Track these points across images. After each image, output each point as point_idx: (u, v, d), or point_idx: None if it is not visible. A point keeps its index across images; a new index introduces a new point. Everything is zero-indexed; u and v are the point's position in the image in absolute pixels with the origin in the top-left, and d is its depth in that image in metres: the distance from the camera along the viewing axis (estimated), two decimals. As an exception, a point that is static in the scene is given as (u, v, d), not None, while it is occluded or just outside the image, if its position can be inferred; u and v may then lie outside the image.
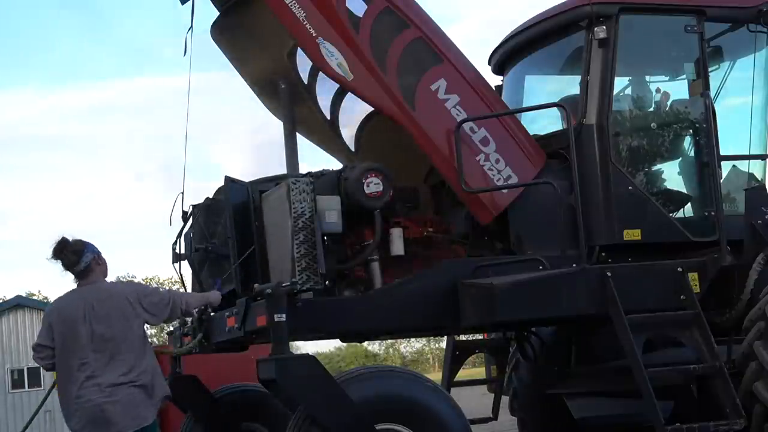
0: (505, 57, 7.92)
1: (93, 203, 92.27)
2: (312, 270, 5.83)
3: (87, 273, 5.89)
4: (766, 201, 6.95)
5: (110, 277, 6.20)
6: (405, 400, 5.74)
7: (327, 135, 7.48)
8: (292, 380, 5.53)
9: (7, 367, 28.02)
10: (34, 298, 45.76)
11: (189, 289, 7.34)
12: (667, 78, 7.62)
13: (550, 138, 7.09)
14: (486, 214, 6.59)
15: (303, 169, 6.46)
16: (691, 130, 7.19)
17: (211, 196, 6.95)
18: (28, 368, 27.47)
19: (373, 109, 6.85)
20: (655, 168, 7.17)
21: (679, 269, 6.49)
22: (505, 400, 8.58)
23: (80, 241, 5.94)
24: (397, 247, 6.40)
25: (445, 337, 8.43)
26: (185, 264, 7.28)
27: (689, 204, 7.19)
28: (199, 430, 7.60)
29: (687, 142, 7.26)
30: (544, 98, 7.94)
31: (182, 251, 7.25)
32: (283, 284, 5.63)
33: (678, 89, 7.40)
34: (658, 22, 7.19)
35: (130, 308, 5.77)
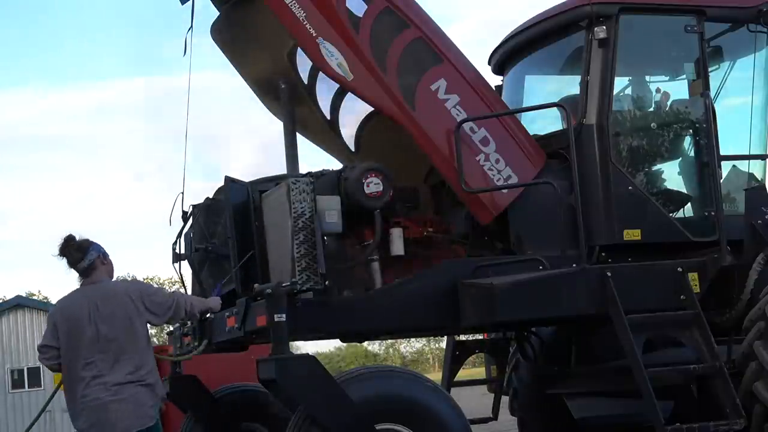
0: (505, 57, 7.92)
1: (93, 203, 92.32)
2: (312, 270, 5.83)
3: (90, 271, 5.88)
4: (766, 201, 6.95)
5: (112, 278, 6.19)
6: (405, 400, 5.74)
7: (327, 135, 7.48)
8: (292, 380, 5.53)
9: (7, 367, 28.04)
10: (34, 298, 45.80)
11: (189, 290, 7.34)
12: (667, 78, 7.62)
13: (550, 138, 7.09)
14: (486, 214, 6.59)
15: (303, 169, 6.47)
16: (691, 130, 7.19)
17: (211, 196, 6.95)
18: (28, 368, 27.49)
19: (373, 109, 6.85)
20: (655, 168, 7.17)
21: (679, 269, 6.49)
22: (505, 400, 8.58)
23: (87, 239, 5.94)
24: (397, 247, 6.40)
25: (445, 337, 8.43)
26: (185, 264, 7.28)
27: (689, 204, 7.19)
28: (199, 430, 7.61)
29: (687, 142, 7.26)
30: (544, 98, 7.94)
31: (182, 251, 7.25)
32: (283, 284, 5.64)
33: (678, 89, 7.40)
34: (658, 22, 7.19)
35: (132, 307, 5.77)
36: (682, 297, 6.42)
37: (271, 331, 5.55)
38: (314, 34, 6.16)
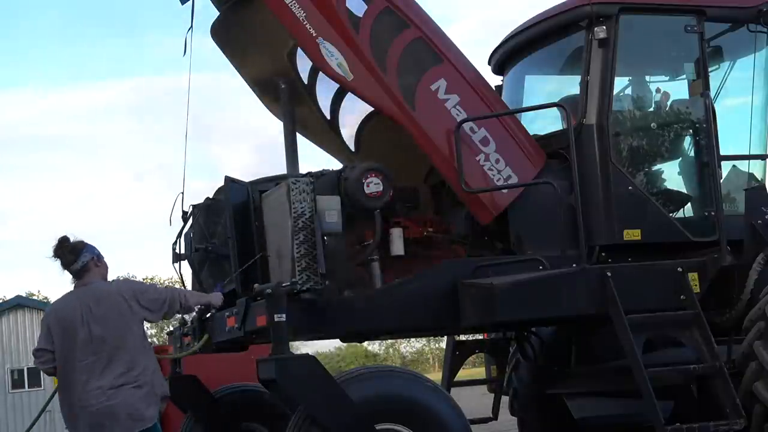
0: (505, 57, 7.92)
1: (93, 203, 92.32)
2: (312, 270, 5.83)
3: (83, 273, 5.87)
4: (766, 201, 6.95)
5: (110, 278, 6.19)
6: (405, 400, 5.74)
7: (327, 135, 7.48)
8: (292, 380, 5.53)
9: (7, 367, 28.04)
10: (34, 298, 45.78)
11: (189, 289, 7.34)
12: (667, 78, 7.62)
13: (550, 138, 7.09)
14: (486, 214, 6.59)
15: (303, 169, 6.47)
16: (691, 130, 7.19)
17: (211, 196, 6.95)
18: (28, 368, 27.48)
19: (373, 109, 6.85)
20: (655, 168, 7.17)
21: (679, 269, 6.49)
22: (505, 400, 8.58)
23: (81, 241, 5.94)
24: (397, 247, 6.40)
25: (445, 337, 8.43)
26: (185, 264, 7.28)
27: (689, 204, 7.19)
28: (199, 430, 7.61)
29: (687, 142, 7.26)
30: (544, 98, 7.94)
31: (182, 251, 7.25)
32: (283, 284, 5.64)
33: (678, 89, 7.40)
34: (658, 22, 7.19)
35: (126, 307, 5.75)
36: (682, 297, 6.42)
37: (271, 331, 5.55)
38: (314, 34, 6.16)
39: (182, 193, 7.11)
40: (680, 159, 7.30)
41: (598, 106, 6.80)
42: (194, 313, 6.91)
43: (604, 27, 6.79)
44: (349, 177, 6.26)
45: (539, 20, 7.38)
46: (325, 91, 7.25)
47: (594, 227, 6.59)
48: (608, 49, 6.80)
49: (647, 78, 7.50)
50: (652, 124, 7.13)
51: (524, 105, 7.74)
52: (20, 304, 29.55)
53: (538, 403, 8.32)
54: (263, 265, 6.26)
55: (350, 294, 6.28)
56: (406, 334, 10.91)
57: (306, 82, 7.21)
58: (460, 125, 6.39)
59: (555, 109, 7.14)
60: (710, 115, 6.93)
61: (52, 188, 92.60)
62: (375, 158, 6.65)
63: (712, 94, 7.12)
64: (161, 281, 55.12)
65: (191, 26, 6.83)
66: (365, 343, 49.66)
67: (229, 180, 6.46)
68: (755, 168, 7.51)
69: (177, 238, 7.25)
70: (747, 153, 7.40)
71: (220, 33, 7.01)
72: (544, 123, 7.40)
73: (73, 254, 5.85)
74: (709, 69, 7.11)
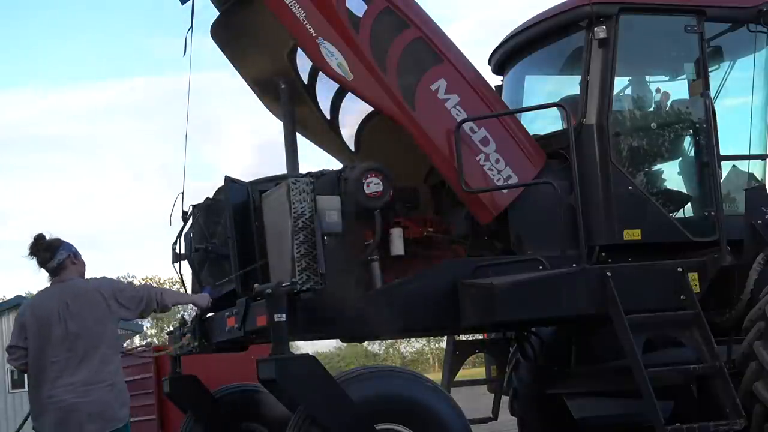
0: (505, 57, 7.92)
1: (93, 203, 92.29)
2: (312, 270, 5.83)
3: (60, 270, 5.81)
4: (766, 201, 6.95)
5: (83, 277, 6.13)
6: (405, 400, 5.74)
7: (327, 135, 7.48)
8: (292, 380, 5.53)
9: (7, 367, 28.00)
10: (34, 298, 45.67)
11: (189, 290, 7.34)
12: (667, 78, 7.62)
13: (550, 138, 7.09)
14: (486, 214, 6.59)
15: (303, 169, 6.47)
16: (691, 130, 7.19)
17: (211, 196, 6.95)
18: (28, 368, 27.43)
19: (373, 109, 6.85)
20: (655, 168, 7.17)
21: (679, 269, 6.49)
22: (505, 400, 8.57)
23: (57, 239, 5.86)
24: (397, 247, 6.40)
25: (445, 337, 8.43)
26: (185, 264, 7.28)
27: (689, 204, 7.19)
28: (199, 430, 7.60)
29: (687, 142, 7.27)
30: (544, 98, 7.94)
31: (182, 251, 7.25)
32: (283, 284, 5.64)
33: (678, 89, 7.40)
34: (658, 22, 7.19)
35: (104, 304, 5.70)
36: (682, 297, 6.42)
37: (271, 331, 5.55)
38: (314, 34, 6.16)
39: (182, 193, 7.12)
40: (680, 159, 7.30)
41: (598, 106, 6.80)
42: (195, 313, 6.91)
43: (604, 27, 6.79)
44: (349, 177, 6.26)
45: (539, 20, 7.38)
46: (325, 91, 7.25)
47: (594, 227, 6.59)
48: (608, 49, 6.80)
49: (647, 78, 7.50)
50: (652, 124, 7.13)
51: (524, 105, 7.74)
52: (20, 304, 29.49)
53: (538, 403, 8.32)
54: (263, 265, 6.26)
55: (350, 294, 6.28)
56: (406, 334, 10.91)
57: (306, 82, 7.21)
58: (460, 125, 6.39)
59: (555, 109, 7.15)
60: (710, 115, 6.93)
61: (52, 188, 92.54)
62: (375, 158, 6.65)
63: (712, 94, 7.12)
64: (161, 281, 55.18)
65: (191, 26, 6.84)
66: (365, 343, 49.64)
67: (229, 180, 6.46)
68: (755, 168, 7.51)
69: (177, 238, 7.25)
70: (747, 153, 7.40)
71: (220, 33, 7.01)
72: (544, 123, 7.40)
73: (48, 252, 5.79)
74: (709, 69, 7.11)
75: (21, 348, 5.78)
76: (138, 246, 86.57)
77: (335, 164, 7.40)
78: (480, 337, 8.84)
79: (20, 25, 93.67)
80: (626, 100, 7.28)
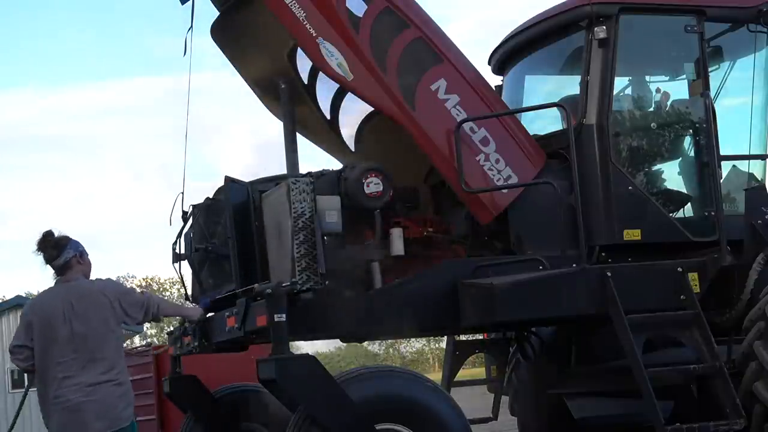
0: (505, 57, 7.92)
1: (93, 203, 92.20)
2: (312, 270, 5.83)
3: (66, 269, 5.83)
4: (766, 201, 6.95)
5: (112, 278, 6.18)
6: (405, 400, 5.74)
7: (327, 135, 7.48)
8: (292, 380, 5.53)
9: (7, 367, 28.00)
10: (34, 298, 45.71)
11: (189, 290, 7.34)
12: (667, 78, 7.62)
13: (550, 138, 7.09)
14: (486, 214, 6.59)
15: (303, 169, 6.47)
16: (691, 130, 7.19)
17: (211, 196, 6.95)
18: (28, 368, 27.42)
19: (373, 109, 6.85)
20: (655, 168, 7.17)
21: (679, 269, 6.49)
22: (505, 400, 8.58)
23: (65, 236, 5.88)
24: (397, 247, 6.39)
25: (445, 337, 8.43)
26: (185, 264, 7.28)
27: (689, 204, 7.20)
28: (199, 430, 7.60)
29: (687, 142, 7.27)
30: (544, 98, 7.94)
31: (182, 251, 7.25)
32: (283, 284, 5.64)
33: (678, 89, 7.40)
34: (658, 22, 7.19)
35: (109, 306, 5.72)
36: (682, 297, 6.42)
37: (271, 331, 5.55)
38: (314, 34, 6.16)
39: (182, 193, 7.11)
40: (680, 159, 7.30)
41: (598, 106, 6.80)
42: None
43: (604, 27, 6.79)
44: (349, 177, 6.26)
45: (539, 20, 7.38)
46: (325, 91, 7.25)
47: (594, 227, 6.59)
48: (608, 49, 6.80)
49: (647, 78, 7.50)
50: (652, 124, 7.13)
51: (524, 105, 7.74)
52: (20, 304, 29.43)
53: (538, 403, 8.32)
54: (263, 265, 6.26)
55: (350, 294, 6.28)
56: (406, 334, 10.91)
57: (306, 82, 7.21)
58: (460, 125, 6.39)
59: (555, 109, 7.15)
60: (710, 115, 6.93)
61: (52, 188, 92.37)
62: (375, 158, 6.65)
63: (712, 94, 7.12)
64: (161, 281, 55.19)
65: (191, 26, 6.83)
66: (365, 343, 49.60)
67: (229, 180, 6.46)
68: (755, 168, 7.51)
69: (177, 238, 7.24)
70: (747, 153, 7.40)
71: (220, 33, 7.01)
72: (544, 123, 7.40)
73: (56, 249, 5.80)
74: (709, 69, 7.11)
75: (28, 348, 5.80)
76: (138, 246, 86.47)
77: (335, 164, 7.40)
78: (480, 337, 8.84)
79: (20, 25, 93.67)
80: (626, 100, 7.29)
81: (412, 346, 69.55)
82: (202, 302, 6.68)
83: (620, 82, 7.20)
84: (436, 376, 10.15)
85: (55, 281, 5.90)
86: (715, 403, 6.18)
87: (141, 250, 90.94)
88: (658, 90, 7.35)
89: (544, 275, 6.15)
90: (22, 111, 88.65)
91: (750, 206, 6.92)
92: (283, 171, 6.51)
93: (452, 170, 6.41)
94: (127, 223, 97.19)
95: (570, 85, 7.33)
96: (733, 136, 7.29)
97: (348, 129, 7.41)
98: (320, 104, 7.34)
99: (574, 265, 6.27)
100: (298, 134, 6.75)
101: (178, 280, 7.42)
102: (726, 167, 7.28)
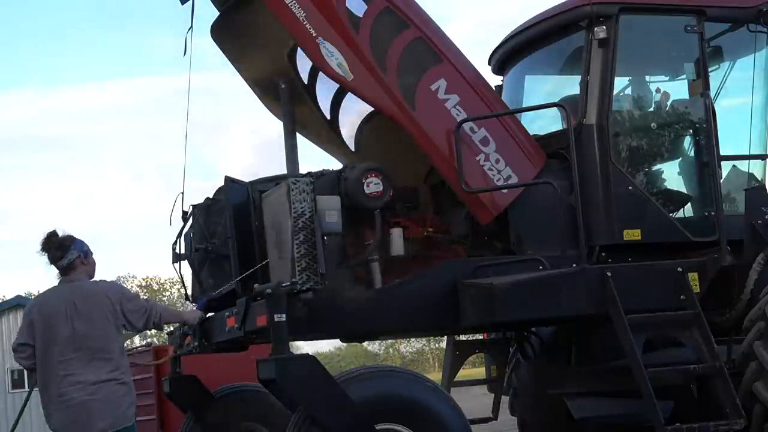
0: (505, 57, 7.92)
1: (93, 203, 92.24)
2: (312, 270, 5.84)
3: (69, 270, 5.84)
4: (766, 201, 6.95)
5: (110, 278, 6.19)
6: (405, 400, 5.74)
7: (327, 135, 7.48)
8: (292, 380, 5.53)
9: (7, 367, 28.01)
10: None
11: (189, 290, 7.35)
12: (667, 78, 7.62)
13: (550, 138, 7.09)
14: (486, 214, 6.59)
15: (303, 169, 6.47)
16: (691, 130, 7.19)
17: (211, 196, 6.95)
18: (28, 368, 27.40)
19: (373, 109, 6.85)
20: (655, 168, 7.17)
21: (679, 269, 6.49)
22: (505, 400, 8.58)
23: (70, 236, 5.90)
24: (397, 247, 6.40)
25: (445, 337, 8.43)
26: (185, 264, 7.28)
27: (689, 204, 7.20)
28: (199, 430, 7.60)
29: (687, 142, 7.27)
30: (544, 98, 7.94)
31: (182, 251, 7.25)
32: (283, 284, 5.64)
33: (678, 89, 7.40)
34: (658, 22, 7.19)
35: (111, 308, 5.74)
36: (682, 297, 6.42)
37: (271, 331, 5.55)
38: (314, 34, 6.16)
39: (182, 193, 7.12)
40: (680, 159, 7.30)
41: (598, 106, 6.80)
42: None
43: (604, 27, 6.79)
44: (349, 177, 6.26)
45: (539, 20, 7.38)
46: (325, 91, 7.26)
47: (594, 227, 6.59)
48: (608, 49, 6.80)
49: (647, 78, 7.50)
50: (652, 124, 7.13)
51: (524, 105, 7.74)
52: (20, 304, 29.47)
53: (538, 403, 8.32)
54: (263, 265, 6.26)
55: (350, 294, 6.29)
56: (406, 334, 10.91)
57: (306, 82, 7.22)
58: (460, 125, 6.39)
59: (555, 109, 7.15)
60: (710, 115, 6.93)
61: (52, 188, 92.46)
62: (375, 158, 6.66)
63: (712, 94, 7.12)
64: (161, 281, 55.17)
65: (191, 26, 6.84)
66: (365, 343, 49.64)
67: (229, 180, 6.46)
68: (755, 168, 7.51)
69: (177, 238, 7.25)
70: (747, 153, 7.40)
71: (220, 33, 7.01)
72: (544, 123, 7.40)
73: (60, 250, 5.82)
74: (709, 69, 7.11)
75: (30, 346, 5.81)
76: (138, 246, 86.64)
77: (335, 164, 7.41)
78: (480, 337, 8.84)
79: (20, 25, 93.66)
80: (626, 100, 7.29)
81: (412, 346, 69.60)
82: (199, 303, 6.69)
83: (620, 82, 7.20)
84: (436, 376, 10.15)
85: (59, 281, 5.91)
86: (715, 403, 6.18)
87: (141, 250, 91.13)
88: (658, 90, 7.35)
89: (544, 275, 6.15)
90: (22, 111, 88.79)
91: (750, 206, 6.92)
92: (283, 171, 6.51)
93: (452, 170, 6.41)
94: (127, 223, 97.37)
95: (570, 85, 7.34)
96: (733, 136, 7.29)
97: (348, 129, 7.41)
98: (320, 104, 7.35)
99: (574, 265, 6.28)
100: (298, 134, 6.75)
101: (178, 280, 7.42)
102: (726, 167, 7.28)
